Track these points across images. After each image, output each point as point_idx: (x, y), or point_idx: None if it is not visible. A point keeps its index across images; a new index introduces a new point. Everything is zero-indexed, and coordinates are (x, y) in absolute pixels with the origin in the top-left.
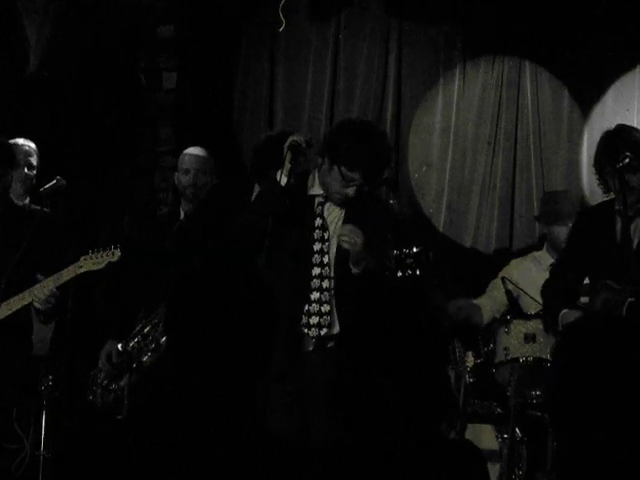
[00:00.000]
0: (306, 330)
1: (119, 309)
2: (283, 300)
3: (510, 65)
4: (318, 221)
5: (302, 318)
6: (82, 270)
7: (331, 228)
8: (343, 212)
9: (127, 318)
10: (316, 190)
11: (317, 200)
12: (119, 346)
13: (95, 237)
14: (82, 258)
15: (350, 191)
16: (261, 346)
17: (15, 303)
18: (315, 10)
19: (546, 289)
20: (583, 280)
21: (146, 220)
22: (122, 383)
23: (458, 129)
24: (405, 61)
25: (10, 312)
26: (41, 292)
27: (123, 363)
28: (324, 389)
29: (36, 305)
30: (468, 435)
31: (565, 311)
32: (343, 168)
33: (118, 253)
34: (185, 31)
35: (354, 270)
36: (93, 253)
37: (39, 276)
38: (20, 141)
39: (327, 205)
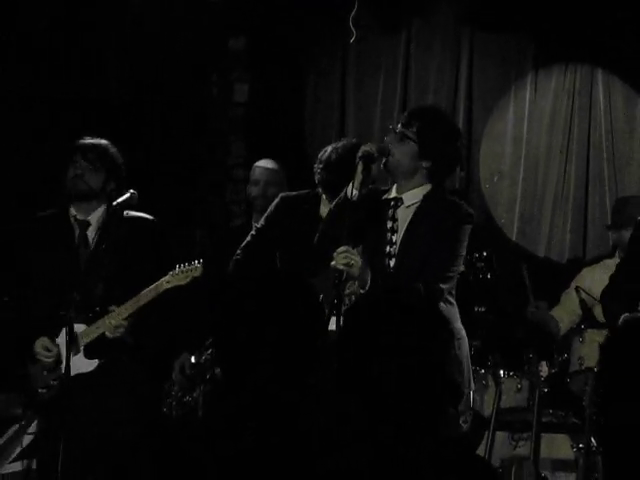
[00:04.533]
0: None
1: (192, 321)
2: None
3: (582, 73)
4: (389, 224)
5: None
6: (169, 285)
7: (401, 228)
8: (412, 212)
9: (200, 330)
10: (391, 194)
11: (391, 203)
12: (192, 358)
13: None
14: (170, 273)
15: (390, 139)
16: (306, 360)
17: (92, 332)
18: (385, 21)
19: (606, 295)
20: None
21: (219, 233)
22: (195, 395)
23: (530, 138)
24: (476, 70)
25: (89, 340)
26: (114, 321)
27: (196, 375)
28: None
29: (107, 334)
30: (543, 445)
31: (625, 315)
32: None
33: (201, 268)
34: (256, 43)
35: (362, 292)
36: (179, 268)
37: (112, 307)
38: None
39: (400, 208)
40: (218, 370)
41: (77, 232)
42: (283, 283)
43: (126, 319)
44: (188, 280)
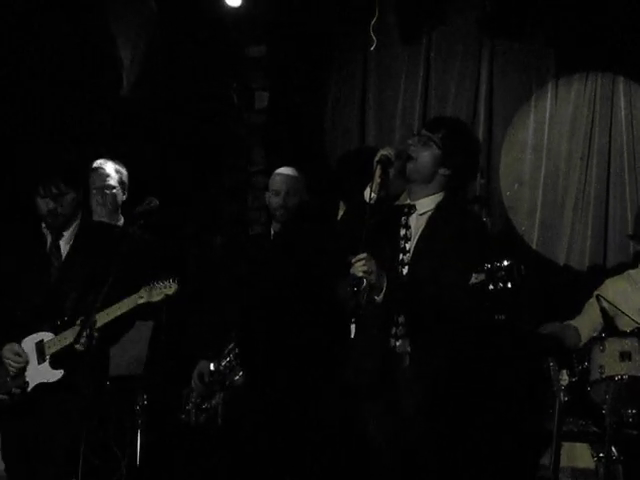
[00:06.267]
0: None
1: (211, 329)
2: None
3: (603, 81)
4: (402, 231)
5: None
6: (142, 301)
7: (414, 236)
8: (426, 220)
9: (219, 338)
10: (403, 200)
11: (404, 210)
12: (211, 366)
13: (185, 258)
14: (143, 289)
15: (413, 142)
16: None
17: (60, 342)
18: (406, 29)
19: None
20: None
21: (238, 240)
22: (214, 402)
23: (551, 146)
24: (497, 79)
25: (56, 350)
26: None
27: (215, 382)
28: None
29: (76, 346)
30: (564, 454)
31: None
32: (423, 128)
33: (175, 287)
34: (276, 51)
35: (376, 299)
36: (153, 284)
37: (82, 318)
38: (96, 163)
39: (413, 215)
40: (237, 377)
41: (49, 242)
42: (308, 288)
43: (96, 331)
44: (161, 298)
